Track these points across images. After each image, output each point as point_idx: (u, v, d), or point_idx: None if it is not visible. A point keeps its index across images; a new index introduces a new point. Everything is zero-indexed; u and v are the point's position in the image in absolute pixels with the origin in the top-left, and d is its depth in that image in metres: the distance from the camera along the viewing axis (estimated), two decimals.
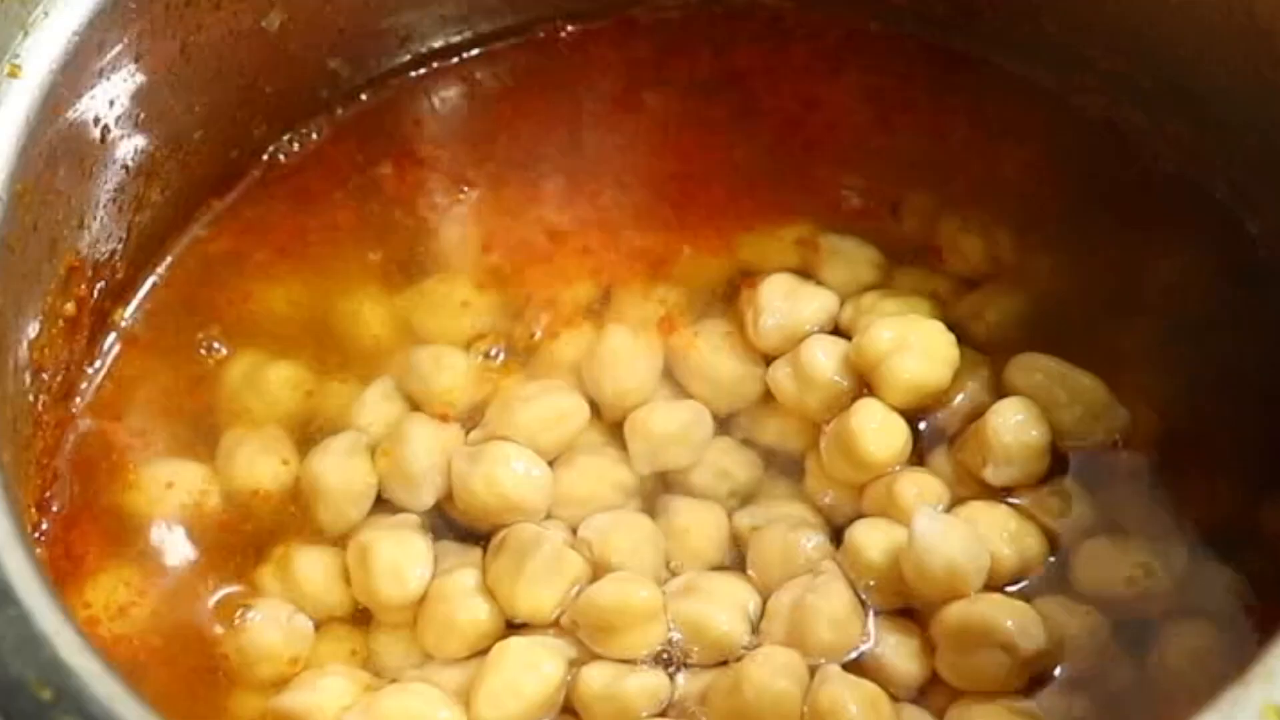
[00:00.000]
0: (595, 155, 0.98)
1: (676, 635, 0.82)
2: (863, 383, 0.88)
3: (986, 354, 0.90)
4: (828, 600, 0.81)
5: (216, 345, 0.92)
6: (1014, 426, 0.85)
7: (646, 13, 1.02)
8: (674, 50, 1.01)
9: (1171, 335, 0.89)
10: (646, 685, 0.80)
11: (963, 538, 0.81)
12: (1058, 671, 0.80)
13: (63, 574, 0.84)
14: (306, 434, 0.90)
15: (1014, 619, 0.79)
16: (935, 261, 0.93)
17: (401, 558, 0.83)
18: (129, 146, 0.89)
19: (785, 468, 0.88)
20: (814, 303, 0.90)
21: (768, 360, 0.90)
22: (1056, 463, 0.86)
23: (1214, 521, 0.84)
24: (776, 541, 0.84)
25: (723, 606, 0.82)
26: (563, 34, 1.02)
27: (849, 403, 0.87)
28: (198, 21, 0.89)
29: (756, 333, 0.90)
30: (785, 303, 0.90)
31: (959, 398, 0.88)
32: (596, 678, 0.81)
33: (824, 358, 0.88)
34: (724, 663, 0.81)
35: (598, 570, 0.84)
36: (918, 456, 0.87)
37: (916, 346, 0.87)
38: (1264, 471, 0.85)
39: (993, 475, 0.85)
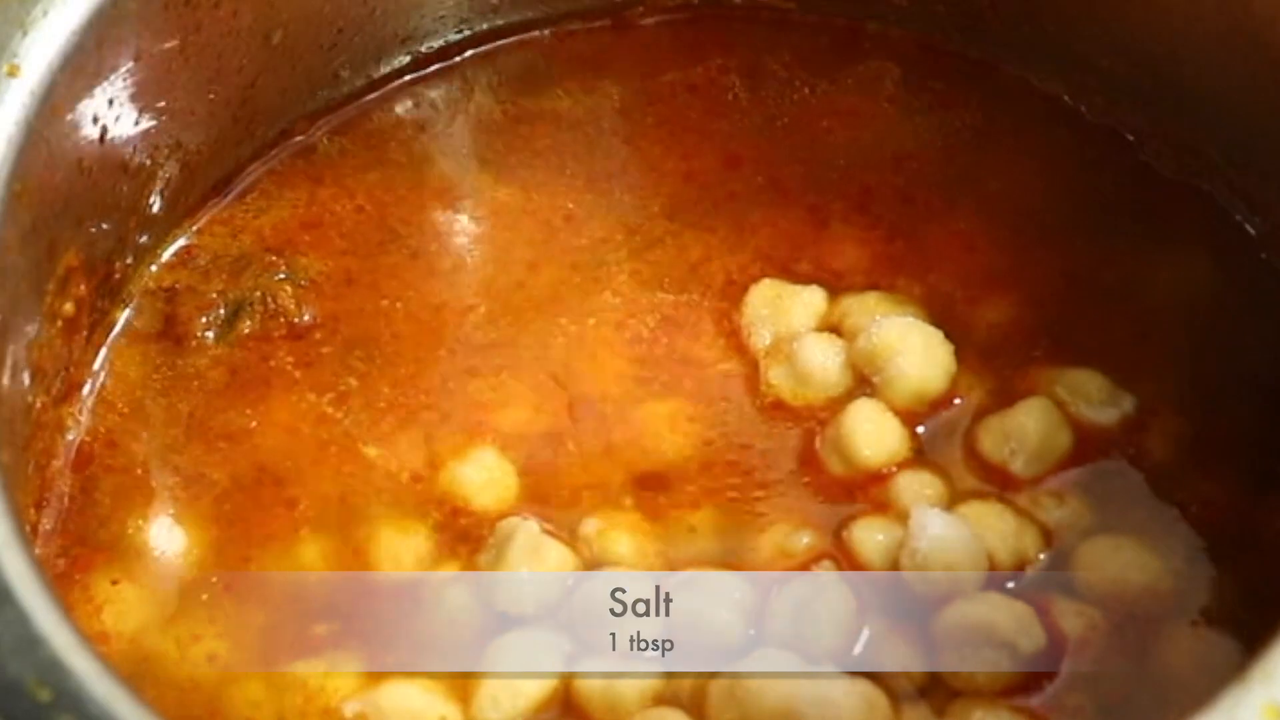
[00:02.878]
0: (596, 156, 0.98)
1: (675, 630, 0.82)
2: (863, 382, 0.88)
3: (986, 355, 0.90)
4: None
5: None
6: (1044, 420, 0.86)
7: (647, 13, 1.02)
8: (675, 51, 1.01)
9: (1172, 336, 0.89)
10: (643, 680, 0.80)
11: (962, 537, 0.81)
12: (1058, 671, 0.80)
13: (62, 575, 0.84)
14: None
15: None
16: (934, 260, 0.93)
17: None
18: (128, 146, 0.89)
19: (785, 468, 0.88)
20: (801, 305, 0.91)
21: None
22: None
23: (1214, 521, 0.84)
24: (776, 541, 0.84)
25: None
26: (563, 34, 1.02)
27: (847, 401, 0.87)
28: (197, 21, 0.89)
29: (750, 345, 0.90)
30: (772, 311, 0.91)
31: (958, 400, 0.88)
32: (594, 674, 0.81)
33: (820, 357, 0.88)
34: (721, 660, 0.81)
35: (596, 567, 0.84)
36: (917, 457, 0.87)
37: (919, 352, 0.87)
38: (1264, 471, 0.85)
39: (1022, 469, 0.85)
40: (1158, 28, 0.91)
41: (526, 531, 0.84)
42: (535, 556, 0.83)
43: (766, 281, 0.92)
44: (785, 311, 0.90)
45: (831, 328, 0.90)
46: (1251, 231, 0.92)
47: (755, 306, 0.91)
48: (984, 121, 0.97)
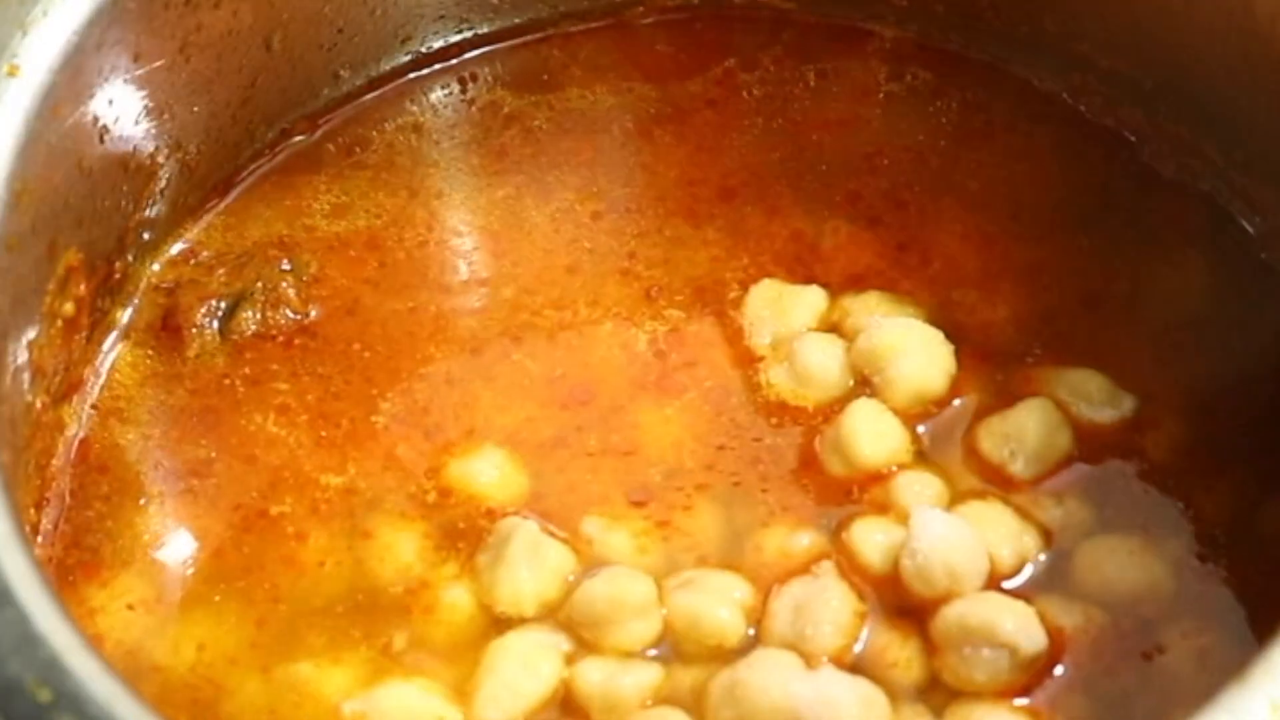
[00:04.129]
0: (597, 157, 0.98)
1: (674, 630, 0.82)
2: (863, 382, 0.88)
3: (986, 355, 0.90)
4: (826, 601, 0.81)
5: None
6: (1043, 421, 0.85)
7: (648, 13, 1.02)
8: (675, 51, 1.01)
9: (1171, 336, 0.89)
10: (643, 680, 0.80)
11: (962, 538, 0.81)
12: (1057, 671, 0.80)
13: (61, 575, 0.84)
14: None
15: (1013, 619, 0.79)
16: (933, 260, 0.93)
17: None
18: (128, 146, 0.89)
19: (785, 468, 0.88)
20: (802, 305, 0.91)
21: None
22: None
23: (1214, 521, 0.84)
24: (776, 541, 0.84)
25: (719, 601, 0.81)
26: (564, 35, 1.02)
27: (847, 401, 0.87)
28: (197, 21, 0.89)
29: (751, 345, 0.90)
30: (772, 311, 0.91)
31: (958, 400, 0.88)
32: (593, 673, 0.81)
33: (820, 357, 0.88)
34: (720, 658, 0.81)
35: (596, 566, 0.84)
36: (917, 457, 0.87)
37: (918, 352, 0.87)
38: (1264, 472, 0.85)
39: (1022, 469, 0.85)
40: (1158, 27, 0.91)
41: (526, 531, 0.84)
42: (535, 556, 0.83)
43: (766, 282, 0.92)
44: (785, 311, 0.90)
45: (831, 328, 0.90)
46: (1251, 231, 0.92)
47: (755, 307, 0.91)
48: (983, 121, 0.98)
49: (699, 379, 0.90)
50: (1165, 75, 0.93)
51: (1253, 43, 0.86)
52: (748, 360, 0.90)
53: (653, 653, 0.82)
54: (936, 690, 0.80)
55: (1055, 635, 0.80)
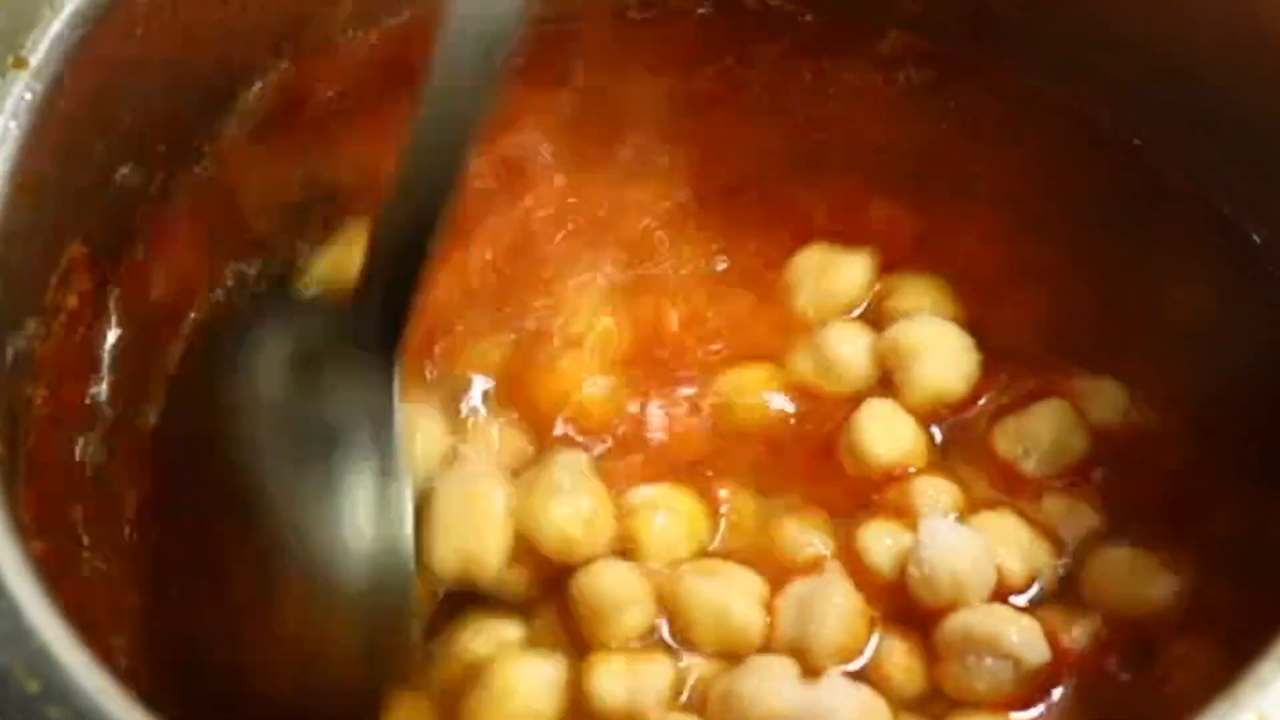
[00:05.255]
0: (597, 156, 0.98)
1: (684, 623, 0.82)
2: (887, 377, 0.88)
3: (1003, 360, 0.89)
4: (832, 601, 0.81)
5: None
6: (1058, 421, 0.86)
7: (648, 13, 1.02)
8: (676, 51, 1.00)
9: (1176, 344, 0.89)
10: (658, 682, 0.80)
11: (971, 548, 0.81)
12: (1059, 684, 0.80)
13: (56, 570, 0.84)
14: None
15: (1018, 630, 0.79)
16: (946, 265, 0.93)
17: None
18: (131, 141, 0.89)
19: (802, 463, 0.88)
20: (846, 275, 0.90)
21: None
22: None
23: (1223, 533, 0.84)
24: (786, 540, 0.84)
25: (737, 593, 0.81)
26: (564, 31, 1.02)
27: (869, 395, 0.87)
28: (202, 16, 0.90)
29: (793, 310, 0.90)
30: (816, 278, 0.90)
31: (977, 403, 0.88)
32: (607, 677, 0.81)
33: (846, 348, 0.88)
34: (737, 651, 0.81)
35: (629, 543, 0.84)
36: (932, 460, 0.87)
37: (943, 354, 0.87)
38: (1268, 479, 0.84)
39: (1034, 467, 0.85)
40: (1165, 37, 0.91)
41: (575, 462, 0.84)
42: (573, 493, 0.83)
43: (801, 256, 0.92)
44: (819, 288, 0.90)
45: (875, 302, 0.90)
46: (1257, 241, 0.91)
47: (790, 284, 0.91)
48: (992, 130, 0.97)
49: (714, 373, 0.90)
50: (1173, 85, 0.92)
51: (1259, 53, 0.86)
52: (770, 349, 0.90)
53: (664, 647, 0.81)
54: (937, 700, 0.80)
55: (1059, 648, 0.80)
